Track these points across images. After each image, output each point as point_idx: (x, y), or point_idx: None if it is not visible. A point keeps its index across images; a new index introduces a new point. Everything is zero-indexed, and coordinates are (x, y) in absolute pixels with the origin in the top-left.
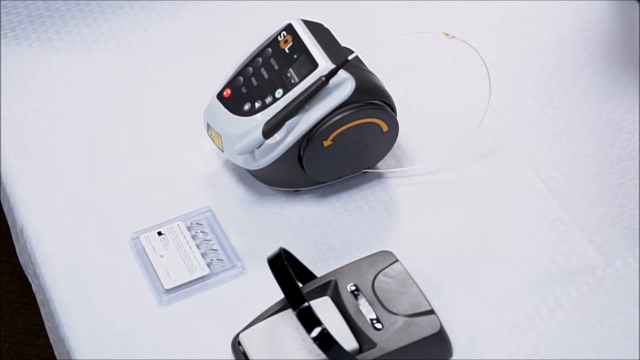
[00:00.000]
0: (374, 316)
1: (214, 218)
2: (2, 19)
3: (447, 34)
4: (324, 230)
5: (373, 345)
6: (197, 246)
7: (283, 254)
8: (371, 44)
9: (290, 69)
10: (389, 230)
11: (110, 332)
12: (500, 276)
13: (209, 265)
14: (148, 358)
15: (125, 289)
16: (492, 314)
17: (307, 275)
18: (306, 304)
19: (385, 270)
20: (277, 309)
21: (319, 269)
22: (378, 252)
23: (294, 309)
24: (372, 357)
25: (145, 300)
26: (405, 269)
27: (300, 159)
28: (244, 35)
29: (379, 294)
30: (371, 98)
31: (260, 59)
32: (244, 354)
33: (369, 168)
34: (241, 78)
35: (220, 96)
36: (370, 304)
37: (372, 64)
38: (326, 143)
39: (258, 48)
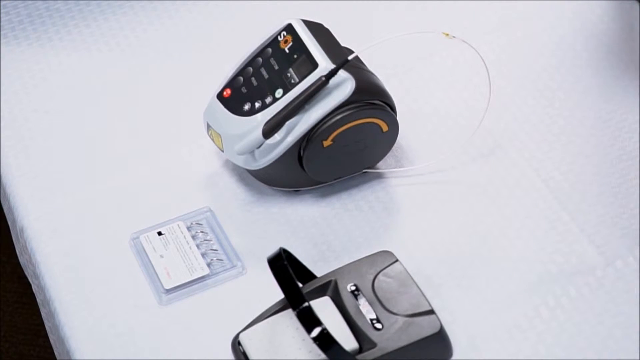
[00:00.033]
0: (374, 316)
1: (214, 218)
2: (2, 19)
3: (447, 34)
4: (324, 230)
5: (373, 345)
6: (197, 246)
7: (283, 254)
8: (371, 44)
9: (290, 69)
10: (389, 230)
11: (110, 332)
12: (500, 276)
13: (209, 265)
14: (148, 358)
15: (125, 289)
16: (492, 314)
17: (307, 275)
18: (306, 304)
19: (385, 270)
20: (277, 309)
21: (319, 269)
22: (378, 252)
23: (294, 309)
24: (372, 357)
25: (145, 300)
26: (405, 269)
27: (300, 159)
28: (244, 35)
29: (379, 294)
30: (371, 98)
31: (260, 59)
32: (244, 354)
33: (369, 168)
34: (241, 78)
35: (220, 96)
36: (370, 304)
37: (372, 64)
38: (326, 143)
39: (258, 48)
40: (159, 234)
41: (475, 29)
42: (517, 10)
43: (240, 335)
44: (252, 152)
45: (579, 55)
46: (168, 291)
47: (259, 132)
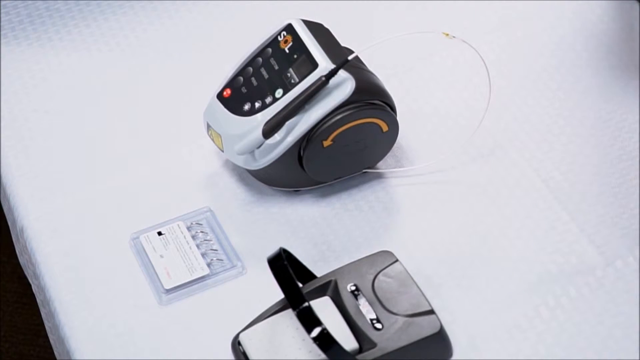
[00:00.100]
0: (374, 316)
1: (214, 218)
2: (2, 19)
3: (447, 34)
4: (324, 230)
5: (373, 345)
6: (197, 246)
7: (283, 254)
8: (371, 44)
9: (290, 69)
10: (389, 230)
11: (110, 332)
12: (500, 276)
13: (209, 265)
14: (148, 358)
15: (125, 289)
16: (492, 314)
17: (307, 275)
18: (306, 304)
19: (385, 270)
20: (277, 309)
21: (319, 269)
22: (378, 252)
23: (294, 309)
24: (372, 357)
25: (145, 300)
26: (405, 269)
27: (300, 159)
28: (244, 35)
29: (379, 294)
30: (371, 98)
31: (260, 59)
32: (244, 354)
33: (369, 168)
34: (241, 78)
35: (220, 96)
36: (370, 304)
37: (372, 64)
38: (326, 143)
39: (258, 48)
40: (159, 234)
41: (475, 29)
42: (517, 10)
43: (240, 335)
44: (252, 152)
45: (579, 55)
46: (168, 291)
47: (259, 132)
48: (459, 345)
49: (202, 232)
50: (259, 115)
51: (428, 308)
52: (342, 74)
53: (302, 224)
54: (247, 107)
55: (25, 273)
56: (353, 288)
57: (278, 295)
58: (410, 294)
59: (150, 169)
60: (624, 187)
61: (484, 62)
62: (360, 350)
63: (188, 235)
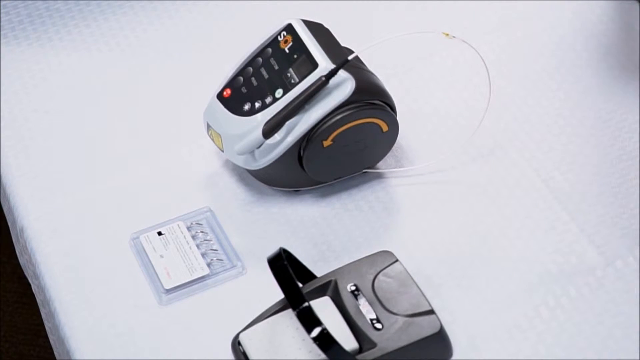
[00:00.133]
0: (374, 316)
1: (214, 218)
2: (2, 19)
3: (447, 34)
4: (324, 230)
5: (373, 345)
6: (197, 246)
7: (283, 254)
8: (371, 44)
9: (290, 69)
10: (389, 230)
11: (110, 332)
12: (500, 276)
13: (209, 265)
14: (148, 358)
15: (125, 289)
16: (492, 314)
17: (307, 275)
18: (306, 304)
19: (385, 270)
20: (277, 309)
21: (319, 269)
22: (378, 252)
23: (294, 309)
24: (372, 357)
25: (145, 300)
26: (405, 269)
27: (300, 159)
28: (244, 35)
29: (379, 294)
30: (371, 98)
31: (260, 59)
32: (244, 354)
33: (369, 168)
34: (241, 78)
35: (220, 96)
36: (370, 304)
37: (372, 64)
38: (326, 143)
39: (258, 48)
40: (159, 234)
41: (475, 29)
42: (517, 10)
43: (240, 335)
44: (252, 152)
45: (579, 55)
46: (168, 291)
47: (259, 132)
48: (459, 345)
49: (202, 232)
50: (259, 115)
51: (428, 308)
52: (342, 74)
53: (302, 224)
54: (247, 107)
55: (25, 273)
56: (353, 288)
57: (278, 295)
58: (410, 294)
59: (150, 169)
60: (624, 187)
61: (484, 62)
62: (360, 350)
63: (188, 235)
